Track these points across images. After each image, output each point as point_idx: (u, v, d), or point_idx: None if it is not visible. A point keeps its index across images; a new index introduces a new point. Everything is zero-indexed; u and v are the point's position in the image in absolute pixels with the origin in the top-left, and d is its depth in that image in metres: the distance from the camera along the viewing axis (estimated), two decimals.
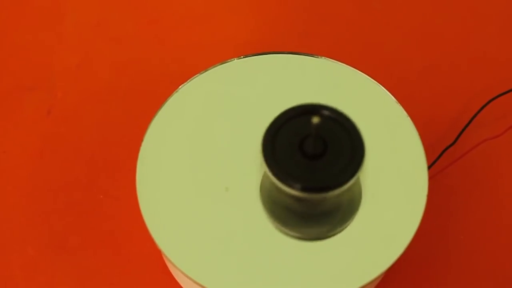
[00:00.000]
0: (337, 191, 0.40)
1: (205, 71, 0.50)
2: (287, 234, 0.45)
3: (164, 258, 0.49)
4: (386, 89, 0.48)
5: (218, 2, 0.63)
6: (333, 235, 0.45)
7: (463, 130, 0.54)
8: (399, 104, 0.48)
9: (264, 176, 0.45)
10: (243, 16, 0.62)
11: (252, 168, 0.46)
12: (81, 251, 0.52)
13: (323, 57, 0.50)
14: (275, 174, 0.40)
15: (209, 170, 0.47)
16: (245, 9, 0.62)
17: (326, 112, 0.41)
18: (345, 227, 0.45)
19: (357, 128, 0.41)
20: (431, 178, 0.47)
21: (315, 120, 0.39)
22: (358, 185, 0.46)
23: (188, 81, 0.50)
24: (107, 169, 0.55)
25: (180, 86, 0.50)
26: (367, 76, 0.49)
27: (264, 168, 0.41)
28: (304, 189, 0.40)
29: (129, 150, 0.50)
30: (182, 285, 0.51)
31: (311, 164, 0.41)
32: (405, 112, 0.48)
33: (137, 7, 0.63)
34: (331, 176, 0.40)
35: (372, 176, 0.46)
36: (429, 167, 0.50)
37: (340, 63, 0.50)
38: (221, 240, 0.45)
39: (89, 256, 0.52)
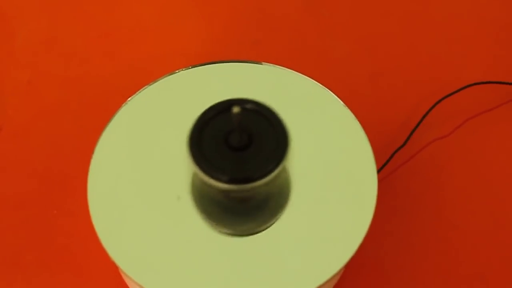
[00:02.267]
0: (263, 181, 0.41)
1: (153, 83, 0.51)
2: (222, 232, 0.45)
3: (120, 272, 0.48)
4: (334, 94, 0.49)
5: (167, 15, 0.63)
6: (265, 229, 0.45)
7: (412, 131, 0.54)
8: (347, 107, 0.48)
9: (194, 175, 0.46)
10: (193, 28, 0.62)
11: None
12: (36, 268, 0.52)
13: (270, 64, 0.51)
14: (202, 168, 0.41)
15: (161, 180, 0.47)
16: (195, 21, 0.63)
17: (249, 106, 0.42)
18: (276, 221, 0.46)
19: (281, 119, 0.42)
20: (382, 180, 0.48)
21: (236, 110, 0.40)
22: (286, 177, 0.46)
23: (137, 93, 0.50)
24: (60, 184, 0.55)
25: (129, 99, 0.50)
26: (315, 82, 0.50)
27: (192, 165, 0.41)
28: (231, 180, 0.40)
29: (82, 164, 0.49)
30: None
31: (237, 156, 0.41)
32: (353, 115, 0.48)
33: (86, 22, 0.63)
34: (257, 166, 0.41)
35: (321, 179, 0.46)
36: (380, 170, 0.51)
37: (287, 69, 0.50)
38: (175, 250, 0.45)
39: (44, 272, 0.52)
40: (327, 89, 0.49)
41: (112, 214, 0.46)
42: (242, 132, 0.41)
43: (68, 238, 0.53)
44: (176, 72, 0.51)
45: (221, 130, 0.42)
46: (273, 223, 0.46)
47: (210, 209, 0.46)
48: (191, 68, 0.51)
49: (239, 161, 0.41)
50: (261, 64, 0.51)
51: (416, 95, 0.57)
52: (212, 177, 0.41)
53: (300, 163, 0.47)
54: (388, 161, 0.53)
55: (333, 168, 0.47)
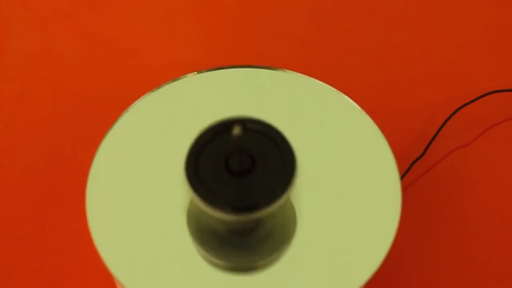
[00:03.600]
0: (268, 210, 0.37)
1: (157, 89, 0.48)
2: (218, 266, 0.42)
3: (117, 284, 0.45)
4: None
5: (166, 26, 0.61)
6: (265, 264, 0.41)
7: (431, 141, 0.52)
8: (365, 113, 0.45)
9: (190, 203, 0.42)
10: (195, 39, 0.60)
11: None
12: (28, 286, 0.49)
13: (284, 70, 0.48)
14: (201, 196, 0.37)
15: (163, 192, 0.44)
16: (197, 32, 0.60)
17: (251, 125, 0.38)
18: (278, 256, 0.42)
19: (286, 139, 0.38)
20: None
21: (236, 131, 0.36)
22: (291, 209, 0.42)
23: (140, 98, 0.47)
24: (54, 202, 0.52)
25: (130, 105, 0.47)
26: (331, 87, 0.47)
27: (189, 191, 0.37)
28: (231, 209, 0.37)
29: (76, 181, 0.47)
30: None
31: (239, 182, 0.38)
32: (372, 121, 0.45)
33: (80, 34, 0.60)
34: (261, 193, 0.37)
35: (340, 188, 0.43)
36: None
37: (302, 75, 0.48)
38: (178, 267, 0.42)
39: None
40: (344, 94, 0.46)
41: (112, 229, 0.43)
42: (244, 156, 0.37)
43: (60, 257, 0.50)
44: (182, 78, 0.48)
45: (221, 151, 0.38)
46: (278, 255, 0.42)
47: (207, 239, 0.42)
48: (197, 73, 0.48)
49: (241, 187, 0.38)
50: (274, 70, 0.48)
51: (433, 104, 0.54)
52: (211, 204, 0.37)
53: (314, 172, 0.44)
54: (407, 171, 0.50)
55: (351, 177, 0.43)
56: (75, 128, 0.55)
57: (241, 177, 0.37)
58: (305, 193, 0.43)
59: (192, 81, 0.48)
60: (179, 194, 0.43)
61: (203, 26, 0.60)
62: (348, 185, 0.43)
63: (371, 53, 0.58)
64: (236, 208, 0.37)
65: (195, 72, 0.48)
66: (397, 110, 0.54)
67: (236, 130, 0.36)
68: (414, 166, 0.51)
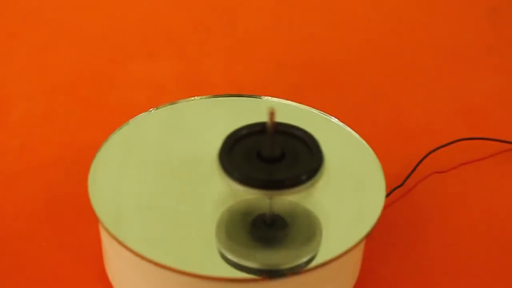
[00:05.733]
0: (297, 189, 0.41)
1: (156, 109, 0.52)
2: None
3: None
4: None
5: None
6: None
7: (410, 174, 0.56)
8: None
9: None
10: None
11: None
12: None
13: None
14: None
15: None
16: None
17: (281, 128, 0.44)
18: None
19: (315, 139, 0.44)
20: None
21: (271, 111, 0.41)
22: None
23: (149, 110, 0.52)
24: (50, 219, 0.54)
25: (131, 119, 0.51)
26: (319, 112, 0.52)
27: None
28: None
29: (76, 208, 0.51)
30: None
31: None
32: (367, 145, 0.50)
33: (82, 102, 0.64)
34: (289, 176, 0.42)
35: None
36: None
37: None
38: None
39: None
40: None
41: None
42: (276, 145, 0.42)
43: (56, 270, 0.51)
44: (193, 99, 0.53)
45: (253, 147, 0.43)
46: None
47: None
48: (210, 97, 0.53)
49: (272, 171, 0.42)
50: (260, 98, 0.53)
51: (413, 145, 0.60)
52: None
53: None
54: (387, 195, 0.53)
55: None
56: (75, 170, 0.57)
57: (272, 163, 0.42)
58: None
59: (202, 103, 0.53)
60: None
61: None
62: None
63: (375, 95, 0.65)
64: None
65: (208, 96, 0.53)
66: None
67: (271, 110, 0.40)
68: (394, 193, 0.54)
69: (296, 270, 0.42)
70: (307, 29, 0.74)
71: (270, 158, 0.42)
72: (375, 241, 0.50)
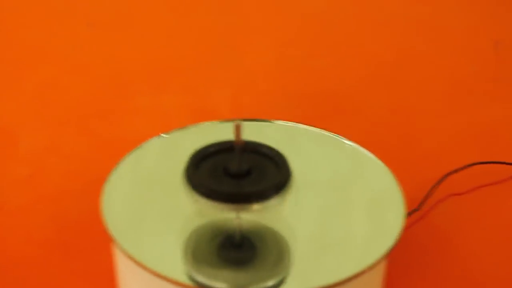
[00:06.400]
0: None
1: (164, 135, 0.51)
2: None
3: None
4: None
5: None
6: None
7: (425, 198, 0.55)
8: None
9: None
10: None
11: None
12: None
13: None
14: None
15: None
16: None
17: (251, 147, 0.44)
18: None
19: (282, 155, 0.43)
20: None
21: (237, 123, 0.41)
22: None
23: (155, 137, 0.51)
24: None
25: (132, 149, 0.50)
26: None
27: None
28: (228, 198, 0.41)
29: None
30: None
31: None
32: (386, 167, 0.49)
33: (90, 134, 0.64)
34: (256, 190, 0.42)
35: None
36: None
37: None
38: None
39: None
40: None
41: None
42: (243, 160, 0.42)
43: None
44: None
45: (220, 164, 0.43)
46: None
47: None
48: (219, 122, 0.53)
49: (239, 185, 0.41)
50: (271, 122, 0.52)
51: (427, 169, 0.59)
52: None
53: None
54: None
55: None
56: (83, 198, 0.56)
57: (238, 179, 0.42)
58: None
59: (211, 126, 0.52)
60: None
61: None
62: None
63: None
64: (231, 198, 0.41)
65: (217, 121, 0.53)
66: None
67: (237, 123, 0.41)
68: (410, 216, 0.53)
69: None
70: (314, 62, 0.74)
71: (237, 173, 0.42)
72: (392, 264, 0.49)
